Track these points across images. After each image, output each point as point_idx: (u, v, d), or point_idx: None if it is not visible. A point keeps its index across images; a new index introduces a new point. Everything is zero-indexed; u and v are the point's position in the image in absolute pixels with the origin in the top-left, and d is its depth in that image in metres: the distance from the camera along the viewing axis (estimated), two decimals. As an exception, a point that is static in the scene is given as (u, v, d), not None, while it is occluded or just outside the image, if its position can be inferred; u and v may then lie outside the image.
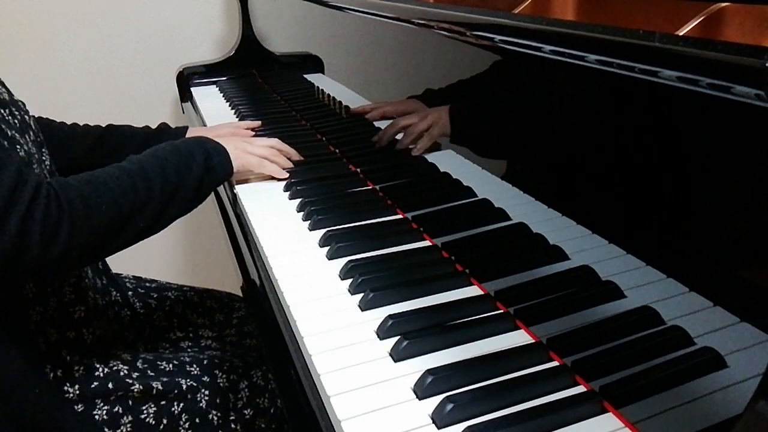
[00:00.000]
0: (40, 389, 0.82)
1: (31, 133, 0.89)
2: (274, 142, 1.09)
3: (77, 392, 0.84)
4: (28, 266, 0.71)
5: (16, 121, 0.84)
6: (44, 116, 1.14)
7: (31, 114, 1.09)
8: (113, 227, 0.78)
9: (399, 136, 0.98)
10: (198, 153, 0.90)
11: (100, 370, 0.87)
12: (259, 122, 1.32)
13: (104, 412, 0.84)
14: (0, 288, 0.78)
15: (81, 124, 1.16)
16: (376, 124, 1.07)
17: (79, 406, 0.83)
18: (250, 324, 1.14)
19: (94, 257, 0.85)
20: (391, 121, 1.00)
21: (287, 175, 1.05)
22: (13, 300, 0.80)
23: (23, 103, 0.98)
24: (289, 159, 1.09)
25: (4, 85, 0.88)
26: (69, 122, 1.16)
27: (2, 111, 0.82)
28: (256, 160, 1.02)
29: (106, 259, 1.02)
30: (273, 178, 1.06)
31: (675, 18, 0.58)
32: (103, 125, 1.17)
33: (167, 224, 0.86)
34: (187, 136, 1.19)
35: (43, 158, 0.91)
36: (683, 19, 0.58)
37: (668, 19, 0.60)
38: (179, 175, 0.86)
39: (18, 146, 0.80)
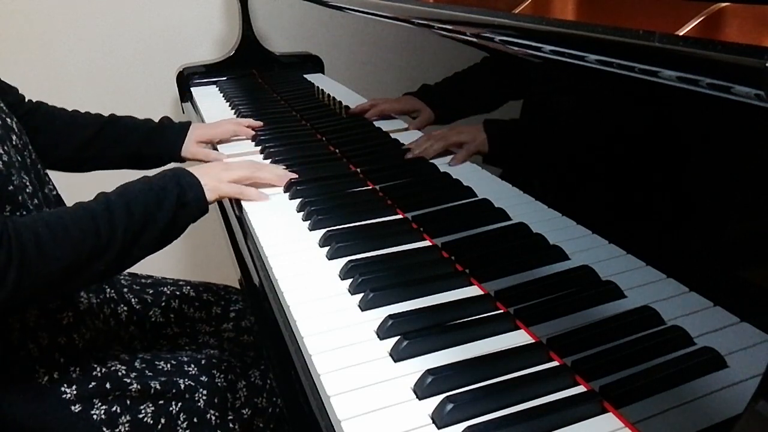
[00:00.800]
0: (25, 397, 0.81)
1: (14, 137, 0.88)
2: (249, 163, 1.04)
3: (74, 393, 0.84)
4: None
5: None
6: (44, 103, 1.14)
7: (27, 98, 1.07)
8: (69, 272, 0.75)
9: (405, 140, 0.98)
10: (171, 189, 0.86)
11: (98, 370, 0.86)
12: (261, 123, 1.32)
13: (102, 411, 0.84)
14: None
15: (82, 112, 1.16)
16: (375, 124, 1.07)
17: (77, 406, 0.83)
18: (248, 317, 1.14)
19: (48, 298, 0.82)
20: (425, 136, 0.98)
21: (267, 198, 1.00)
22: None
23: (5, 95, 0.98)
24: (274, 171, 1.04)
25: None
26: (70, 111, 1.16)
27: None
28: (234, 188, 0.96)
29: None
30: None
31: (675, 18, 0.58)
32: (106, 115, 1.17)
33: (135, 262, 0.83)
34: (189, 131, 1.19)
35: (27, 160, 0.90)
36: (683, 19, 0.58)
37: (668, 19, 0.60)
38: (148, 214, 0.82)
39: None
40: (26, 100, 1.11)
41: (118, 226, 0.78)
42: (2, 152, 0.82)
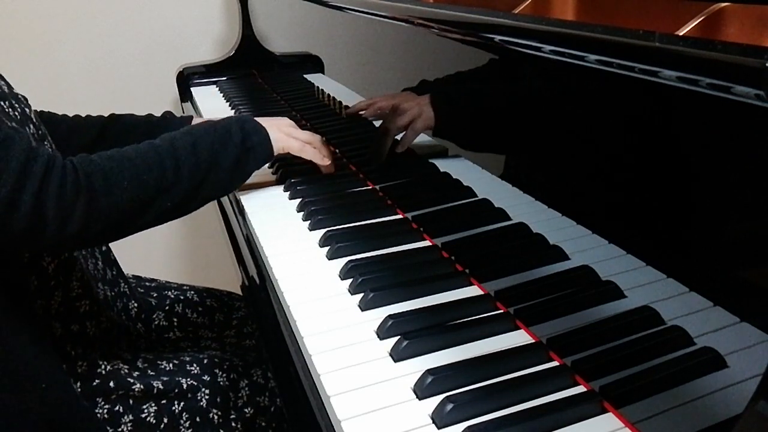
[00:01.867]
0: (47, 383, 0.81)
1: (32, 126, 0.89)
2: (314, 134, 1.05)
3: (79, 390, 0.84)
4: (47, 242, 0.70)
5: (16, 113, 0.84)
6: (45, 111, 1.14)
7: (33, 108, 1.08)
8: (136, 205, 0.76)
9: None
10: (235, 132, 0.87)
11: (102, 367, 0.86)
12: None
13: (105, 410, 0.85)
14: (6, 278, 0.78)
15: (82, 116, 1.16)
16: (375, 124, 1.07)
17: (83, 403, 0.83)
18: (250, 325, 1.14)
19: (117, 234, 0.82)
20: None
21: (328, 162, 1.02)
22: (17, 292, 0.79)
23: (24, 97, 0.98)
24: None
25: (3, 79, 0.88)
26: (70, 116, 1.16)
27: (2, 103, 0.81)
28: (298, 144, 0.98)
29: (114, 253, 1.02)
30: (276, 183, 1.05)
31: (675, 18, 0.58)
32: (106, 115, 1.17)
33: (202, 204, 0.84)
34: (192, 123, 1.19)
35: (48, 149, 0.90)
36: (683, 19, 0.58)
37: (668, 19, 0.60)
38: (213, 154, 0.83)
39: None
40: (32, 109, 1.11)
41: (185, 163, 0.80)
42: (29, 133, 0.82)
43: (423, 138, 0.94)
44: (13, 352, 0.78)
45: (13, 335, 0.78)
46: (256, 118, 0.94)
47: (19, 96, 0.91)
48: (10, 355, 0.77)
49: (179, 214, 0.83)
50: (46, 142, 0.91)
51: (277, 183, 1.07)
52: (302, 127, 1.33)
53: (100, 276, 0.94)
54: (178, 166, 0.79)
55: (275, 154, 0.94)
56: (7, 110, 0.81)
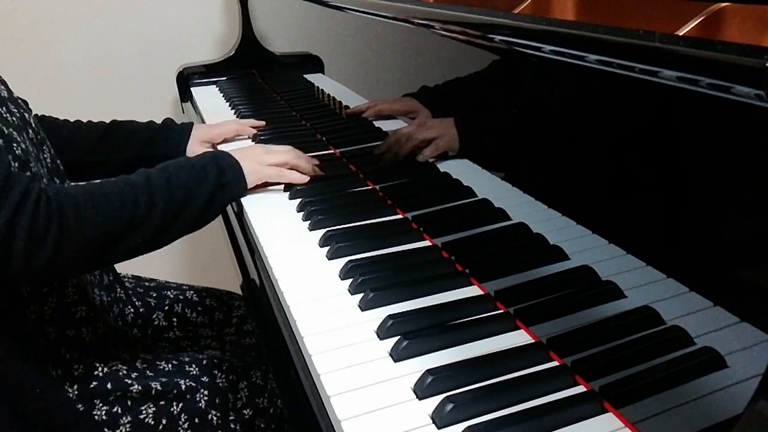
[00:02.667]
0: (41, 388, 0.81)
1: (30, 131, 0.89)
2: (291, 148, 1.05)
3: (77, 392, 0.84)
4: (13, 272, 0.70)
5: (14, 118, 0.84)
6: (46, 115, 1.14)
7: (33, 113, 1.09)
8: (107, 240, 0.76)
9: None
10: (211, 169, 0.88)
11: (100, 369, 0.86)
12: (264, 122, 1.32)
13: (103, 412, 0.84)
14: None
15: (84, 121, 1.17)
16: (375, 124, 1.07)
17: (80, 405, 0.83)
18: (250, 323, 1.14)
19: (86, 268, 0.83)
20: (392, 126, 1.00)
21: (307, 179, 1.01)
22: (10, 298, 0.80)
23: (24, 101, 0.98)
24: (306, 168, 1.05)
25: (3, 83, 0.88)
26: (71, 120, 1.16)
27: (0, 109, 0.81)
28: (274, 171, 0.98)
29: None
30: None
31: (675, 18, 0.58)
32: (107, 121, 1.17)
33: (172, 240, 0.84)
34: (192, 131, 1.20)
35: (44, 156, 0.90)
36: (683, 19, 0.58)
37: (668, 19, 0.60)
38: (188, 191, 0.84)
39: (15, 144, 0.80)
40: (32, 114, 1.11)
41: (159, 200, 0.80)
42: (21, 140, 0.82)
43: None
44: (1, 357, 0.78)
45: (1, 340, 0.78)
46: (230, 152, 0.94)
47: (19, 100, 0.91)
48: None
49: (149, 249, 0.83)
50: (44, 147, 0.92)
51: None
52: (302, 127, 1.34)
53: (97, 281, 0.94)
54: (153, 203, 0.80)
55: (249, 187, 0.94)
56: (5, 115, 0.81)
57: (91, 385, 0.85)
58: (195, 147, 1.19)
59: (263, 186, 1.02)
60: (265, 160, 0.98)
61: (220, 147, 1.24)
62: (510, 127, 0.74)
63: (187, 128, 1.20)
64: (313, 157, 1.15)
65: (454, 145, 0.82)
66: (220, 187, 0.88)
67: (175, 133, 1.19)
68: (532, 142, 0.73)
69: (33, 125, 0.91)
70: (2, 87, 0.86)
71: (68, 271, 0.81)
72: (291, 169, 1.01)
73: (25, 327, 0.82)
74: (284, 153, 1.01)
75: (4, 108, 0.82)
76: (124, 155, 1.15)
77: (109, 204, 0.76)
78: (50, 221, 0.71)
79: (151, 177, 0.82)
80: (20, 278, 0.77)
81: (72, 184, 0.81)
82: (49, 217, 0.71)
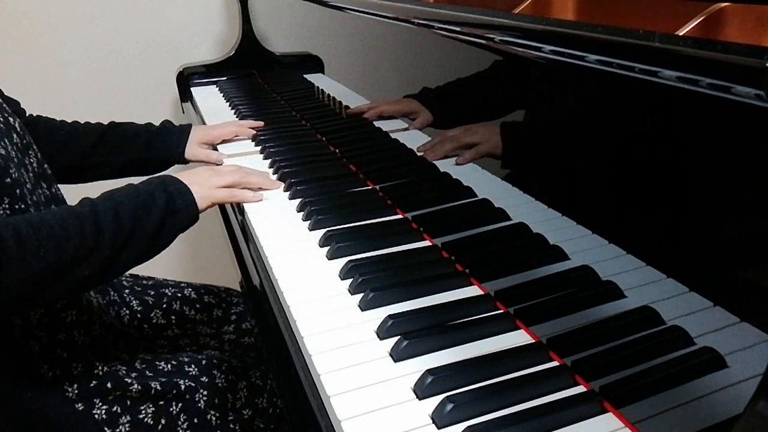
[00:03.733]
0: (32, 392, 0.81)
1: (15, 135, 0.88)
2: (238, 167, 1.02)
3: (76, 391, 0.84)
4: None
5: None
6: (43, 116, 1.14)
7: (29, 113, 1.08)
8: (52, 273, 0.71)
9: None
10: (159, 195, 0.83)
11: (99, 368, 0.86)
12: (262, 123, 1.32)
13: (103, 411, 0.85)
14: None
15: (82, 122, 1.17)
16: (375, 124, 1.07)
17: (79, 405, 0.84)
18: (249, 320, 1.14)
19: (29, 304, 0.76)
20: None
21: (260, 199, 0.99)
22: None
23: (16, 102, 0.98)
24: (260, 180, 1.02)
25: None
26: (69, 121, 1.16)
27: None
28: (225, 192, 0.94)
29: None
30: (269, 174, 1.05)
31: (675, 18, 0.58)
32: (105, 123, 1.17)
33: (122, 271, 0.81)
34: (190, 133, 1.20)
35: (30, 161, 0.90)
36: (683, 19, 0.58)
37: (668, 19, 0.60)
38: (135, 219, 0.79)
39: None
40: (27, 114, 1.11)
41: (105, 229, 0.76)
42: (2, 146, 0.81)
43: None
44: None
45: None
46: (178, 176, 0.90)
47: (4, 105, 0.90)
48: None
49: (96, 284, 0.79)
50: (30, 151, 0.91)
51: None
52: (302, 126, 1.34)
53: None
54: (99, 232, 0.75)
55: (201, 211, 0.89)
56: None
57: (91, 384, 0.85)
58: (193, 149, 1.19)
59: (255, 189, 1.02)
60: (214, 183, 0.93)
61: (219, 147, 1.24)
62: (533, 131, 0.73)
63: (186, 130, 1.20)
64: (312, 156, 1.15)
65: (497, 152, 0.81)
66: (170, 214, 0.83)
67: (173, 135, 1.19)
68: (531, 142, 0.73)
69: (18, 129, 0.90)
70: None
71: (9, 307, 0.74)
72: (243, 188, 0.98)
73: (10, 336, 0.81)
74: (232, 173, 0.98)
75: None
76: (122, 157, 1.15)
77: (54, 236, 0.71)
78: None
79: (97, 206, 0.77)
80: None
81: (12, 216, 0.76)
82: None
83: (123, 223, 0.78)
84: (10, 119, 0.89)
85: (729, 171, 0.48)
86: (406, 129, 0.98)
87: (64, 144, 1.11)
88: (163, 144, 1.17)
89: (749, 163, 0.46)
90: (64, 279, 0.73)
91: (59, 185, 0.99)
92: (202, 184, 0.90)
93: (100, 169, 1.16)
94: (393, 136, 1.02)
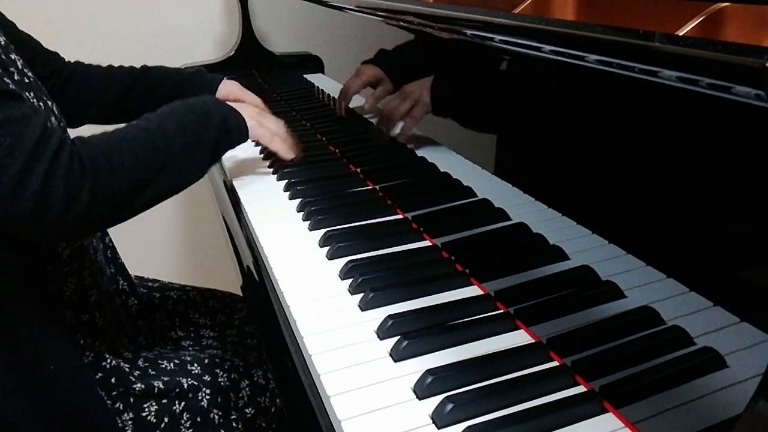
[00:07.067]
0: (60, 368, 0.81)
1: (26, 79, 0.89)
2: (282, 124, 1.06)
3: (83, 381, 0.84)
4: (51, 224, 0.70)
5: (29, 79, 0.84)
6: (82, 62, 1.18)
7: (68, 64, 1.14)
8: (136, 184, 0.77)
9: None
10: (215, 113, 0.90)
11: (108, 360, 0.86)
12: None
13: (107, 405, 0.84)
14: (21, 264, 0.78)
15: (115, 66, 1.20)
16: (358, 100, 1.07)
17: (96, 389, 0.83)
18: (252, 325, 1.14)
19: (117, 217, 0.81)
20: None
21: (293, 156, 1.04)
22: (34, 277, 0.79)
23: (49, 71, 1.00)
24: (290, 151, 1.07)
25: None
26: (104, 66, 1.19)
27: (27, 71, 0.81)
28: (268, 134, 1.00)
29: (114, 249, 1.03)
30: (269, 174, 1.05)
31: (675, 18, 0.58)
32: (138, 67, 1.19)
33: (188, 184, 0.86)
34: (221, 84, 1.19)
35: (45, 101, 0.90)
36: (683, 19, 0.58)
37: (668, 19, 0.60)
38: (197, 134, 0.86)
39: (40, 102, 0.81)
40: (66, 62, 1.15)
41: (176, 142, 0.82)
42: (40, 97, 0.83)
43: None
44: (26, 336, 0.78)
45: (28, 320, 0.78)
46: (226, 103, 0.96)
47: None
48: (22, 339, 0.77)
49: (168, 195, 0.84)
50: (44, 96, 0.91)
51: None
52: (302, 126, 1.34)
53: (103, 270, 0.94)
54: (169, 145, 0.81)
55: (250, 138, 0.96)
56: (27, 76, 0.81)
57: (97, 377, 0.84)
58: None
59: (262, 184, 1.02)
60: (261, 121, 0.99)
61: None
62: (482, 81, 0.74)
63: (216, 81, 1.19)
64: (312, 156, 1.15)
65: (428, 108, 0.82)
66: (224, 132, 0.90)
67: (204, 81, 1.19)
68: (532, 142, 0.73)
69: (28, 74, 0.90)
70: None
71: (103, 220, 0.80)
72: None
73: (47, 307, 0.81)
74: (276, 123, 1.03)
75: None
76: (154, 102, 1.14)
77: (132, 148, 0.77)
78: (84, 171, 0.71)
79: (163, 120, 0.84)
80: (57, 231, 0.74)
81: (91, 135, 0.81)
82: (82, 167, 0.71)
83: (189, 138, 0.84)
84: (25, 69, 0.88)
85: (729, 171, 0.48)
86: (403, 128, 0.98)
87: (99, 89, 1.13)
88: (195, 89, 1.17)
89: (749, 163, 0.46)
90: (146, 189, 0.79)
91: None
92: (252, 116, 0.97)
93: (135, 112, 1.15)
94: (393, 136, 1.02)
